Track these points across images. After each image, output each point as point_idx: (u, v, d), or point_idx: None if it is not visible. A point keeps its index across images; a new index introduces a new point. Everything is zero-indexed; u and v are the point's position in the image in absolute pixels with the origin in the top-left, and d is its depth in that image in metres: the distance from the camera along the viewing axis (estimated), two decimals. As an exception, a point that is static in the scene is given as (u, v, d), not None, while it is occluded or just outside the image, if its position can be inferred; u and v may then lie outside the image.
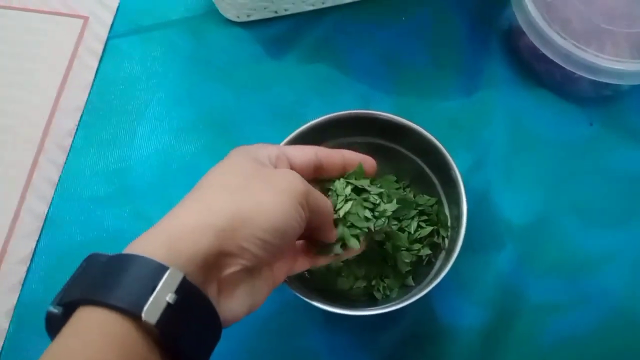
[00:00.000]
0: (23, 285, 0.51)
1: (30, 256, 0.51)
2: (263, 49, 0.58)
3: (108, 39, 0.59)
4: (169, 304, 0.27)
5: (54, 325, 0.29)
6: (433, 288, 0.41)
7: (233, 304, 0.32)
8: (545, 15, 0.49)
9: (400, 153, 0.49)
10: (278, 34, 0.59)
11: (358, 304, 0.46)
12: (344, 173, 0.40)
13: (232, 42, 0.59)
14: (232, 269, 0.31)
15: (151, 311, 0.27)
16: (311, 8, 0.58)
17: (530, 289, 0.50)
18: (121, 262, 0.29)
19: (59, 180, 0.54)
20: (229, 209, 0.31)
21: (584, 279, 0.50)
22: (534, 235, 0.51)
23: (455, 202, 0.45)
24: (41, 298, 0.50)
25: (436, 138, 0.45)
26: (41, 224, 0.53)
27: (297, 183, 0.34)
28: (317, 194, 0.36)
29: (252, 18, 0.58)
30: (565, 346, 0.48)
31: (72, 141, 0.55)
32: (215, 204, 0.31)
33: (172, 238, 0.30)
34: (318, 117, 0.46)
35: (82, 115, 0.56)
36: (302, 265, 0.39)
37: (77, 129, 0.56)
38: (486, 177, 0.53)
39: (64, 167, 0.55)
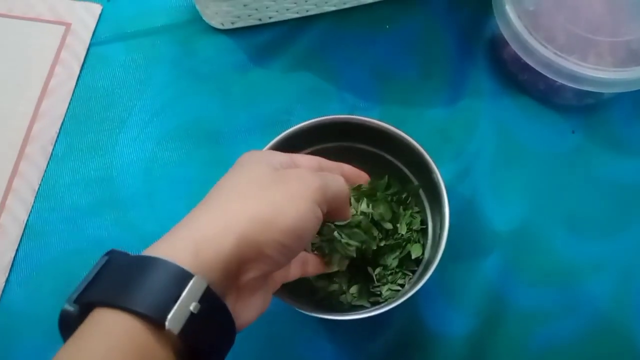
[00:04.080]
0: (2, 295, 0.50)
1: (10, 266, 0.51)
2: (248, 57, 0.58)
3: (91, 45, 0.58)
4: (192, 314, 0.27)
5: (68, 324, 0.28)
6: (419, 294, 0.40)
7: (247, 309, 0.33)
8: (527, 24, 0.50)
9: (385, 159, 0.49)
10: (264, 42, 0.59)
11: (343, 309, 0.46)
12: None
13: (217, 50, 0.58)
14: (251, 274, 0.32)
15: (175, 320, 0.27)
16: (296, 16, 0.58)
17: (517, 297, 0.50)
18: (144, 265, 0.28)
19: (39, 187, 0.53)
20: (248, 215, 0.31)
21: (571, 288, 0.50)
22: (521, 244, 0.51)
23: (438, 207, 0.45)
24: (22, 307, 0.50)
25: (417, 142, 0.45)
26: (21, 233, 0.52)
27: (311, 181, 0.34)
28: (331, 182, 0.36)
29: (236, 25, 0.58)
30: (551, 354, 0.48)
31: (53, 148, 0.55)
32: (234, 210, 0.31)
33: (195, 244, 0.30)
34: (300, 123, 0.46)
35: (63, 122, 0.56)
36: (294, 273, 0.40)
37: (58, 136, 0.55)
38: (473, 185, 0.53)
39: (44, 175, 0.54)
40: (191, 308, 0.27)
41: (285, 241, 0.31)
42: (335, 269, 0.44)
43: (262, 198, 0.32)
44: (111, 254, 0.31)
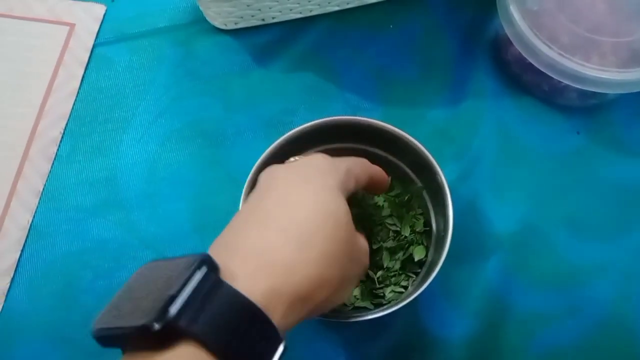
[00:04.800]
0: (7, 297, 0.50)
1: (14, 267, 0.51)
2: (251, 58, 0.58)
3: (94, 46, 0.59)
4: None
5: (140, 338, 0.26)
6: (420, 296, 0.40)
7: None
8: (531, 24, 0.49)
9: (388, 160, 0.49)
10: (266, 42, 0.59)
11: (346, 310, 0.46)
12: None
13: (220, 50, 0.58)
14: (298, 316, 0.31)
15: None
16: (299, 16, 0.58)
17: (519, 299, 0.50)
18: (247, 311, 0.27)
19: (43, 189, 0.53)
20: (319, 274, 0.30)
21: (573, 290, 0.50)
22: (523, 246, 0.51)
23: (441, 209, 0.45)
24: (26, 309, 0.50)
25: (421, 143, 0.45)
26: (25, 234, 0.52)
27: (365, 256, 0.36)
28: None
29: (239, 26, 0.58)
30: (553, 357, 0.48)
31: (57, 150, 0.55)
32: (314, 256, 0.30)
33: (274, 281, 0.29)
34: (303, 124, 0.46)
35: (67, 124, 0.56)
36: None
37: (62, 137, 0.55)
38: (475, 187, 0.53)
39: (48, 176, 0.54)
40: None
41: (335, 298, 0.33)
42: None
43: (337, 257, 0.31)
44: (210, 274, 0.27)
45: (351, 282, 0.34)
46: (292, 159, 0.40)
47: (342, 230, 0.32)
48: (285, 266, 0.29)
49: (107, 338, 0.27)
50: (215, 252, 0.30)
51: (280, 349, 0.28)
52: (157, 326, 0.24)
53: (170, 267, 0.28)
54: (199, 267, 0.27)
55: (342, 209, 0.32)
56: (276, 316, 0.28)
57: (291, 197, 0.32)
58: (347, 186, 0.35)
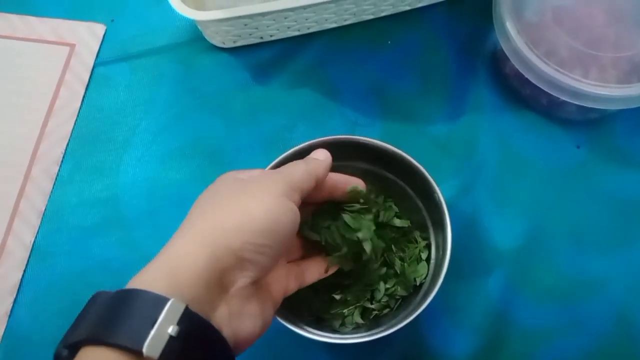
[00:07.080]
0: (10, 316, 0.50)
1: (17, 286, 0.51)
2: (250, 75, 0.59)
3: (95, 66, 0.59)
4: (171, 337, 0.27)
5: None
6: (422, 313, 0.41)
7: (245, 322, 0.32)
8: (527, 39, 0.49)
9: (386, 177, 0.49)
10: (265, 59, 0.59)
11: (346, 331, 0.46)
12: (328, 197, 0.41)
13: (219, 69, 0.59)
14: (239, 283, 0.32)
15: (153, 346, 0.27)
16: (297, 33, 0.58)
17: (521, 314, 0.49)
18: (123, 298, 0.29)
19: (45, 209, 0.54)
20: (218, 225, 0.31)
21: (575, 304, 0.50)
22: (524, 260, 0.51)
23: (440, 226, 0.45)
24: (29, 329, 0.50)
25: (419, 162, 0.45)
26: (28, 254, 0.52)
27: (271, 177, 0.34)
28: (293, 169, 0.36)
29: (238, 44, 0.58)
30: (555, 372, 0.48)
31: (59, 169, 0.55)
32: (204, 225, 0.32)
33: (171, 267, 0.30)
34: (303, 142, 0.46)
35: (68, 143, 0.56)
36: (294, 285, 0.39)
37: (63, 157, 0.56)
38: (475, 201, 0.53)
39: (50, 196, 0.54)
40: (169, 331, 0.27)
41: (260, 240, 0.32)
42: (335, 269, 0.42)
43: (229, 207, 0.33)
44: (95, 294, 0.31)
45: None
46: None
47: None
48: (164, 247, 0.32)
49: None
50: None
51: (166, 306, 0.28)
52: (57, 350, 0.29)
53: None
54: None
55: (226, 181, 0.36)
56: (158, 284, 0.29)
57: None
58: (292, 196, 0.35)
